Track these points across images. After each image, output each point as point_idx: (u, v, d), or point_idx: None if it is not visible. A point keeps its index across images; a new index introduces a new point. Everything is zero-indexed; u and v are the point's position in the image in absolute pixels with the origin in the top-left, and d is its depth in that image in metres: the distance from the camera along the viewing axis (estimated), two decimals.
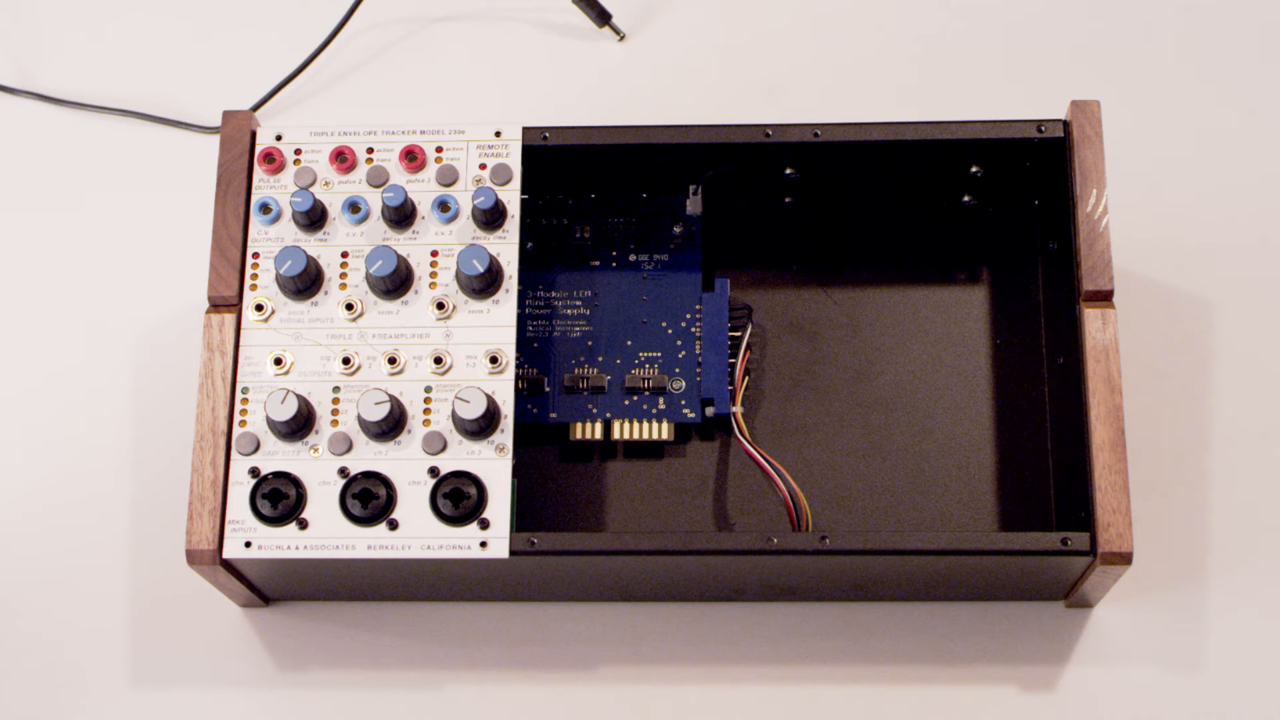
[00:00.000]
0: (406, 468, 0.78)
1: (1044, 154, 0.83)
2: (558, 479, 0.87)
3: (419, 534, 0.77)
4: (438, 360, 0.80)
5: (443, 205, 0.82)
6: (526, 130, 0.83)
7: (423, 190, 0.83)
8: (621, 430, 0.86)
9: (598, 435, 0.86)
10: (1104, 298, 0.79)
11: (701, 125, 0.84)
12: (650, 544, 0.79)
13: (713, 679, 0.85)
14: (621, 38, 1.00)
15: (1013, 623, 0.85)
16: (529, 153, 0.83)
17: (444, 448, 0.79)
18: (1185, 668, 0.84)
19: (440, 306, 0.81)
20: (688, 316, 0.87)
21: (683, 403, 0.86)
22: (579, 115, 0.94)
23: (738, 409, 0.85)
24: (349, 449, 0.79)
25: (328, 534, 0.78)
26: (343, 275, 0.81)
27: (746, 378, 0.87)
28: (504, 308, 0.81)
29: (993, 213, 0.88)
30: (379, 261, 0.79)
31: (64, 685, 0.86)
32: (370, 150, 0.83)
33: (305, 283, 0.80)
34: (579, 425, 0.86)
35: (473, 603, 0.86)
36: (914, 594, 0.85)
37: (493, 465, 0.78)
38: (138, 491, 0.90)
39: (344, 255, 0.82)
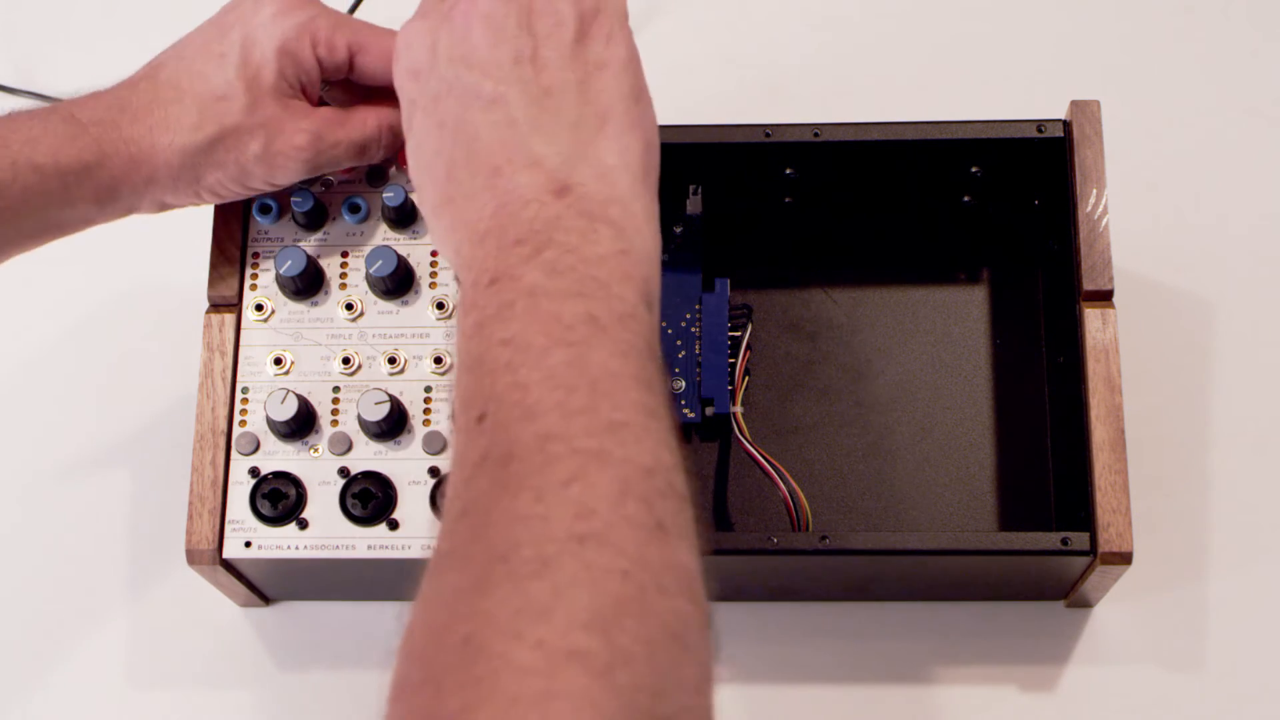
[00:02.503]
0: (406, 468, 0.78)
1: (1044, 154, 0.83)
2: None
3: (419, 534, 0.77)
4: (438, 360, 0.80)
5: None
6: None
7: None
8: None
9: None
10: (1104, 298, 0.79)
11: (701, 125, 0.84)
12: None
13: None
14: None
15: (1013, 623, 0.85)
16: None
17: (444, 448, 0.79)
18: (1185, 668, 0.84)
19: (440, 306, 0.80)
20: (688, 316, 0.87)
21: (683, 403, 0.86)
22: None
23: (738, 409, 0.85)
24: (349, 449, 0.79)
25: (328, 534, 0.78)
26: (342, 275, 0.81)
27: (746, 378, 0.87)
28: None
29: (993, 213, 0.88)
30: (379, 261, 0.79)
31: (63, 685, 0.86)
32: None
33: (305, 283, 0.80)
34: None
35: None
36: (914, 594, 0.85)
37: None
38: (138, 491, 0.90)
39: (344, 255, 0.82)
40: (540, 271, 0.58)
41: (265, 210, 0.82)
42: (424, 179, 0.65)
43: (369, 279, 0.80)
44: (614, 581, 0.51)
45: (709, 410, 0.85)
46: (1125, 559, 0.76)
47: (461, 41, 0.64)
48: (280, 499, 0.78)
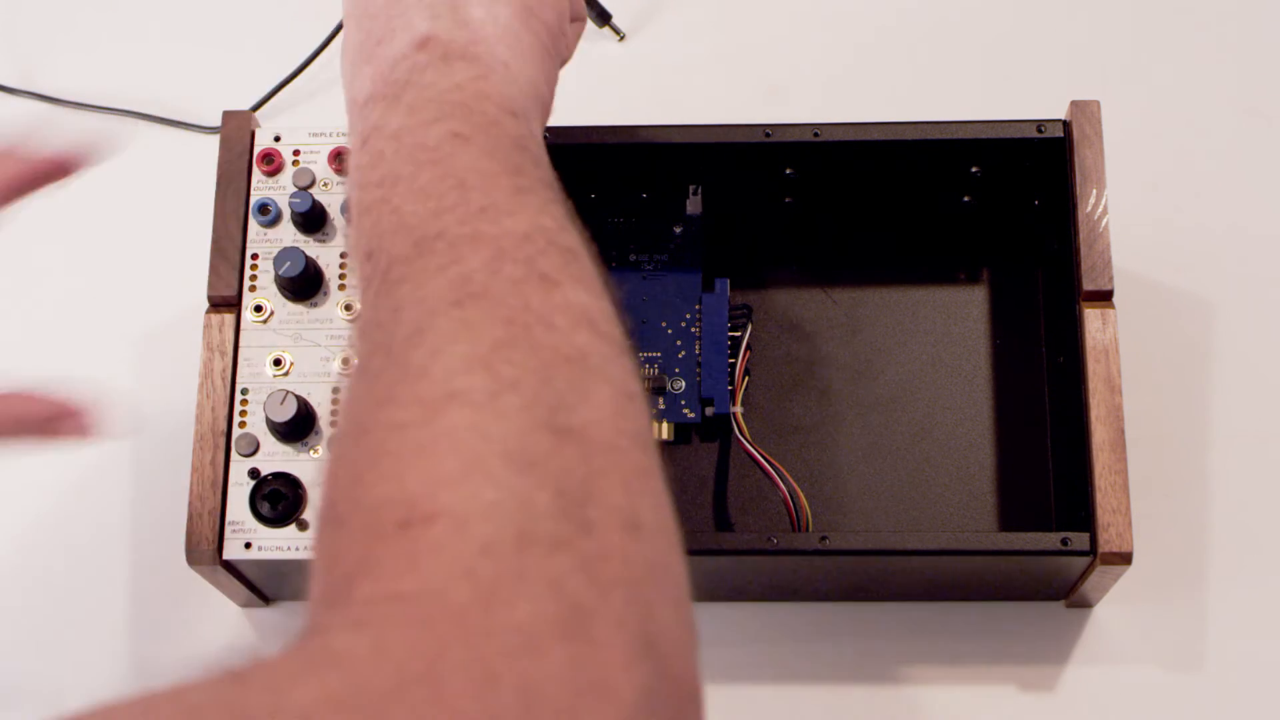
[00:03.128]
0: None
1: (1044, 154, 0.83)
2: None
3: None
4: None
5: None
6: None
7: None
8: None
9: None
10: (1104, 298, 0.79)
11: (701, 125, 0.84)
12: None
13: (713, 679, 0.85)
14: (621, 38, 1.00)
15: (1013, 623, 0.85)
16: None
17: None
18: (1185, 668, 0.84)
19: None
20: (688, 316, 0.87)
21: (683, 403, 0.86)
22: (579, 115, 0.93)
23: (738, 409, 0.85)
24: None
25: None
26: (342, 276, 0.81)
27: (746, 378, 0.87)
28: None
29: (993, 213, 0.88)
30: None
31: (63, 685, 0.86)
32: None
33: (304, 283, 0.80)
34: None
35: None
36: (914, 594, 0.85)
37: None
38: (138, 491, 0.90)
39: (343, 256, 0.81)
40: (401, 114, 0.60)
41: (264, 211, 0.82)
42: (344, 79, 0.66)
43: None
44: (495, 328, 0.51)
45: (709, 410, 0.85)
46: (1125, 559, 0.76)
47: None
48: (280, 500, 0.78)
